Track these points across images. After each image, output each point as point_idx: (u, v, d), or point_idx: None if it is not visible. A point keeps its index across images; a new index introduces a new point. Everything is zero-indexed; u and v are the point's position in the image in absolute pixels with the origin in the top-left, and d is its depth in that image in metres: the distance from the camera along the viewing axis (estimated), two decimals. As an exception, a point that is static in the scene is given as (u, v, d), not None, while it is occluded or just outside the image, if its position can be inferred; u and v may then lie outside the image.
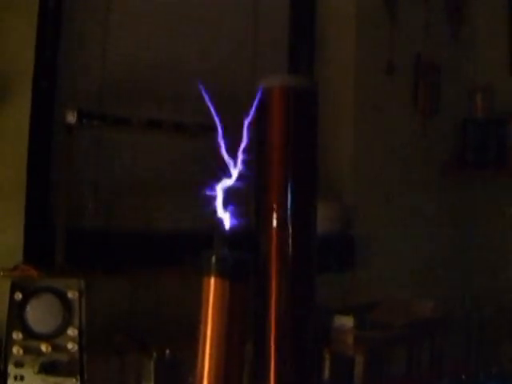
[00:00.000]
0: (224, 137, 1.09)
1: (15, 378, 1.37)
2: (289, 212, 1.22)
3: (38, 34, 1.97)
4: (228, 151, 1.13)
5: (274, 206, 1.23)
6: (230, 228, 1.08)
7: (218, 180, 1.11)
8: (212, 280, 1.02)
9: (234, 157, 1.13)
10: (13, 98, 1.91)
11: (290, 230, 1.22)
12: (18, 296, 1.40)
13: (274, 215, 1.22)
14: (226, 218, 1.08)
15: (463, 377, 1.73)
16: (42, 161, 2.02)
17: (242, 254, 1.05)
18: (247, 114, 1.17)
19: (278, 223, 1.22)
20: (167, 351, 1.62)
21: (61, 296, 1.43)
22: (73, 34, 2.16)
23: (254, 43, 2.60)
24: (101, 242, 2.09)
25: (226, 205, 1.09)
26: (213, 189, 1.11)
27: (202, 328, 1.05)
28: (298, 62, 2.76)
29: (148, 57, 2.31)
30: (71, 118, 1.89)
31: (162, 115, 2.19)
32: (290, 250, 1.22)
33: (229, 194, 1.10)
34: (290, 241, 1.22)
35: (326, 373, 1.71)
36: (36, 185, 1.97)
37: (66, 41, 2.13)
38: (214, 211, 1.09)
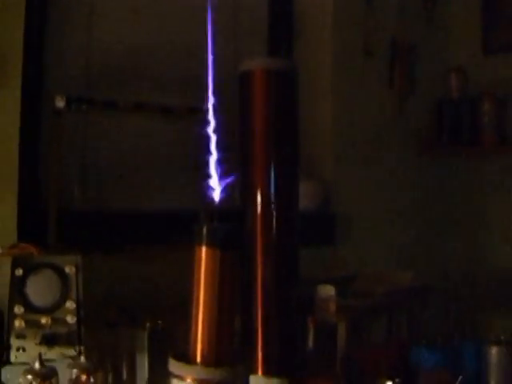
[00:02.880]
0: (214, 117, 1.16)
1: (17, 349, 1.45)
2: (272, 189, 1.30)
3: (25, 21, 2.01)
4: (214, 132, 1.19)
5: (258, 183, 1.31)
6: (218, 203, 1.14)
7: (205, 159, 1.17)
8: (203, 249, 1.09)
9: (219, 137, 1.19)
10: (1, 84, 1.95)
11: (274, 207, 1.30)
12: (19, 272, 1.46)
13: (259, 192, 1.30)
14: (214, 194, 1.15)
15: (439, 339, 1.83)
16: (33, 145, 2.07)
17: (232, 226, 1.12)
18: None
19: (262, 200, 1.30)
20: (159, 322, 1.69)
21: (59, 271, 1.49)
22: (59, 19, 2.20)
23: (233, 28, 2.64)
24: (91, 223, 2.16)
25: (213, 181, 1.15)
26: (200, 167, 1.18)
27: (195, 294, 1.11)
28: (276, 45, 2.82)
29: (134, 41, 2.35)
30: (60, 102, 1.92)
31: (148, 98, 2.25)
32: (274, 225, 1.30)
33: (216, 171, 1.16)
34: (274, 216, 1.30)
35: (311, 340, 1.80)
36: (27, 168, 2.03)
37: (53, 26, 2.17)
38: (202, 188, 1.15)
